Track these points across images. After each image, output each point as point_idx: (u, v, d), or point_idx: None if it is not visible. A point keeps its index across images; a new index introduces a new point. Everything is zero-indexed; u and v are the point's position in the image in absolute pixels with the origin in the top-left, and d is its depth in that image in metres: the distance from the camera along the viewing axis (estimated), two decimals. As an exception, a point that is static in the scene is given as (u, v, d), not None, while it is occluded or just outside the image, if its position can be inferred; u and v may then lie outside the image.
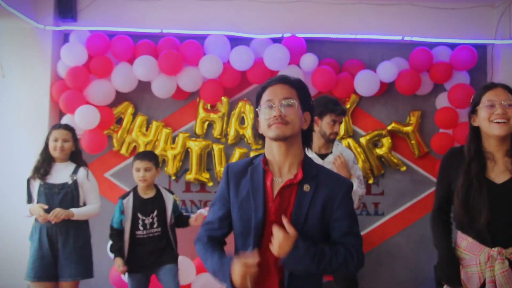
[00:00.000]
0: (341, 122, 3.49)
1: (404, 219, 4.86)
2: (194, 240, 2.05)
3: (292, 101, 1.85)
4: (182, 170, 4.91)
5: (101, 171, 4.78)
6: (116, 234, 3.73)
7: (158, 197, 3.81)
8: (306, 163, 1.91)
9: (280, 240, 1.76)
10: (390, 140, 4.80)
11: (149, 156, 3.86)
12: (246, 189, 1.91)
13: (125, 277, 3.91)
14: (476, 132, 2.38)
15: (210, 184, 4.89)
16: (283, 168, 1.90)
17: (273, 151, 1.90)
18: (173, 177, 4.84)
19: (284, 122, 1.82)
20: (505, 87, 2.33)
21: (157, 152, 4.76)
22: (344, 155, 3.43)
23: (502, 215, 2.28)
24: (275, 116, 1.81)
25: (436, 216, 2.52)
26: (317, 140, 3.39)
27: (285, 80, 1.93)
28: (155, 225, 3.73)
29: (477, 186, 2.29)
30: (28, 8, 4.47)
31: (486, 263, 2.27)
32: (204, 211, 4.38)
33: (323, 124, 3.32)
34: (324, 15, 4.92)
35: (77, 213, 3.58)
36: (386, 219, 4.90)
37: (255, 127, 1.96)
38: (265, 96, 1.88)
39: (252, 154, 4.86)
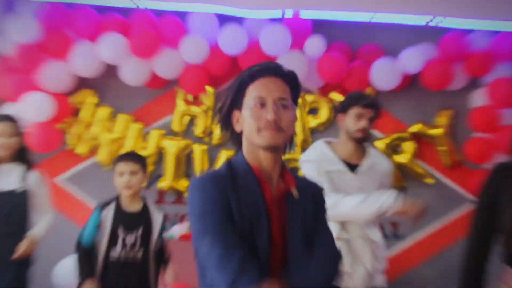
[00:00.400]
0: (372, 118, 2.78)
1: (430, 244, 4.30)
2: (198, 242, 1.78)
3: (287, 102, 1.74)
4: (155, 175, 4.38)
5: (51, 175, 4.13)
6: (85, 254, 3.26)
7: (145, 212, 3.32)
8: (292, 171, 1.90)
9: None
10: (414, 145, 4.26)
11: (135, 157, 3.39)
12: (243, 193, 1.76)
13: None
14: None
15: (187, 194, 4.08)
16: (273, 176, 1.77)
17: (259, 157, 1.75)
18: (143, 184, 4.06)
19: (278, 128, 1.68)
20: None
21: (121, 153, 4.04)
22: (382, 167, 2.87)
23: None
24: (268, 120, 1.66)
25: (472, 254, 2.21)
26: (343, 145, 2.86)
27: (280, 73, 1.76)
28: (136, 248, 3.23)
29: None
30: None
31: None
32: (179, 229, 3.91)
33: (347, 120, 2.74)
34: None
35: (39, 235, 3.30)
36: (408, 245, 4.32)
37: (226, 122, 1.75)
38: (254, 91, 1.69)
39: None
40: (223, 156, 4.33)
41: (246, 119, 1.67)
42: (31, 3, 4.15)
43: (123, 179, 3.15)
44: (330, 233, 1.82)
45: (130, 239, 3.23)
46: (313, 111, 4.52)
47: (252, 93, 1.66)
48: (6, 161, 3.28)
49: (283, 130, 1.66)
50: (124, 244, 3.19)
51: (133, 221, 3.24)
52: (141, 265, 3.27)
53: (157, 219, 3.30)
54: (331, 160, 2.89)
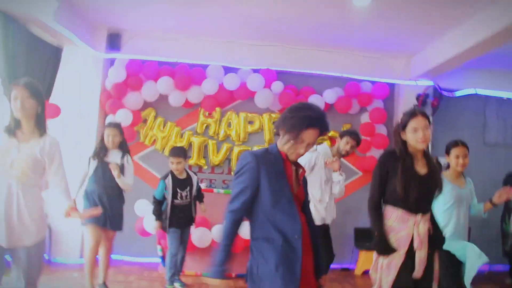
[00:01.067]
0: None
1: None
2: (228, 210, 2.41)
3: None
4: (187, 156, 6.38)
5: (131, 155, 6.55)
6: (157, 203, 4.90)
7: (189, 178, 5.03)
8: None
9: None
10: (329, 143, 6.32)
11: (180, 153, 4.98)
12: (274, 171, 2.39)
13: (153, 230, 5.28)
14: (404, 142, 3.04)
15: (205, 167, 6.74)
16: (292, 163, 2.51)
17: (287, 153, 2.45)
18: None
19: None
20: (422, 114, 3.00)
21: (169, 144, 6.54)
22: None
23: (423, 193, 2.98)
24: (299, 154, 2.43)
25: (376, 205, 3.09)
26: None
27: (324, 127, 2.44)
28: (188, 197, 5.00)
29: (410, 174, 2.95)
30: (89, 41, 6.30)
31: (413, 225, 2.93)
32: (201, 186, 5.70)
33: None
34: (289, 55, 6.79)
35: (121, 178, 4.60)
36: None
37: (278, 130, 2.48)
38: (307, 135, 2.35)
39: (235, 149, 6.71)
40: (224, 147, 6.59)
41: (288, 145, 2.39)
42: (122, 60, 6.40)
43: (174, 166, 4.87)
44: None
45: (183, 193, 4.95)
46: (275, 123, 6.81)
47: (306, 135, 2.33)
48: (115, 148, 4.72)
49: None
50: (181, 196, 4.92)
51: (184, 183, 4.95)
52: (189, 206, 4.99)
53: (195, 181, 5.06)
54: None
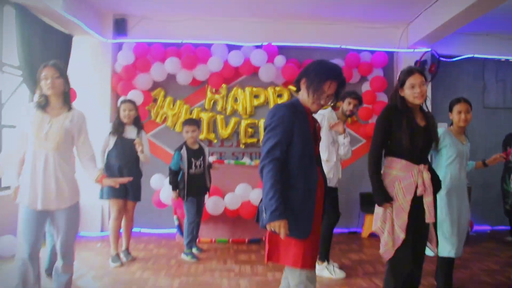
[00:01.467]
0: None
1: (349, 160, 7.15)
2: (269, 158, 2.52)
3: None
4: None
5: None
6: (173, 174, 5.21)
7: (201, 148, 5.37)
8: None
9: None
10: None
11: (194, 122, 5.39)
12: (303, 124, 2.63)
13: (170, 200, 5.76)
14: (402, 98, 3.25)
15: (215, 141, 7.06)
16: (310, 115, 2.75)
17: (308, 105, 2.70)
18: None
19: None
20: (419, 71, 3.22)
21: (179, 121, 6.87)
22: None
23: (425, 144, 3.25)
24: (321, 104, 2.66)
25: (379, 156, 3.26)
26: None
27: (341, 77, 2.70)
28: (201, 166, 5.33)
29: (414, 127, 3.19)
30: (96, 28, 6.64)
31: (418, 174, 3.17)
32: (211, 158, 6.17)
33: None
34: (291, 29, 7.05)
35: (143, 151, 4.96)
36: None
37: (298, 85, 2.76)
38: (329, 86, 2.61)
39: (242, 123, 7.01)
40: (232, 121, 6.88)
41: (312, 91, 2.60)
42: (129, 44, 6.72)
43: (189, 134, 5.18)
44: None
45: (197, 163, 5.27)
46: (280, 96, 7.03)
47: (326, 86, 2.59)
48: (130, 124, 5.08)
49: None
50: (195, 166, 5.24)
51: (197, 153, 5.28)
52: (203, 175, 5.32)
53: (206, 151, 5.42)
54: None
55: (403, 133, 3.16)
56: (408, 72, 3.23)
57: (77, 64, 6.54)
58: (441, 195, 3.83)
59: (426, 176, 3.18)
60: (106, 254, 5.44)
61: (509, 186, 6.45)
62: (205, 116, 7.00)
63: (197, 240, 5.80)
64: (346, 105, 4.87)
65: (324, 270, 4.75)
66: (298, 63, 7.03)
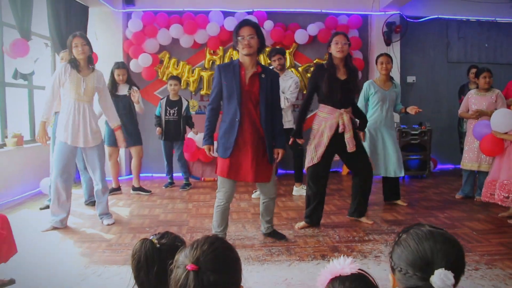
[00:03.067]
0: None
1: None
2: (207, 106, 3.84)
3: (254, 36, 3.60)
4: (198, 88, 8.02)
5: (153, 90, 7.97)
6: (155, 117, 6.66)
7: (179, 101, 6.64)
8: (262, 65, 3.76)
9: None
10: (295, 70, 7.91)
11: (176, 78, 6.71)
12: (230, 75, 3.62)
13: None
14: (330, 54, 4.27)
15: None
16: (248, 67, 3.66)
17: (243, 59, 3.66)
18: (193, 93, 8.09)
19: (250, 46, 3.56)
20: (343, 34, 4.25)
21: (183, 79, 7.86)
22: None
23: (344, 94, 4.25)
24: (245, 43, 3.56)
25: (306, 105, 4.37)
26: None
27: (250, 24, 3.69)
28: (175, 115, 6.57)
29: (334, 80, 4.21)
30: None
31: (339, 116, 4.24)
32: (192, 133, 7.23)
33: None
34: None
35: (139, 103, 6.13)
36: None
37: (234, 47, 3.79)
38: (240, 32, 3.65)
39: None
40: None
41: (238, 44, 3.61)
42: (137, 13, 7.65)
43: (171, 87, 6.47)
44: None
45: (171, 111, 6.52)
46: (269, 55, 7.92)
47: (239, 33, 3.59)
48: (123, 83, 6.07)
49: (252, 47, 3.56)
50: (169, 113, 6.52)
51: (173, 104, 6.53)
52: (177, 122, 6.52)
53: (184, 104, 6.56)
54: None
55: (323, 85, 4.21)
56: (335, 33, 4.31)
57: (93, 31, 7.52)
58: (366, 131, 4.94)
59: (346, 117, 4.23)
60: (128, 192, 6.62)
61: (463, 127, 7.57)
62: (205, 75, 7.98)
63: (188, 176, 7.05)
64: (274, 64, 6.10)
65: (301, 190, 6.12)
66: (284, 26, 8.01)
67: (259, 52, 3.73)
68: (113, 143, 5.94)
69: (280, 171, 8.02)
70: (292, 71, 7.40)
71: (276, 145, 3.86)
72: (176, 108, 6.57)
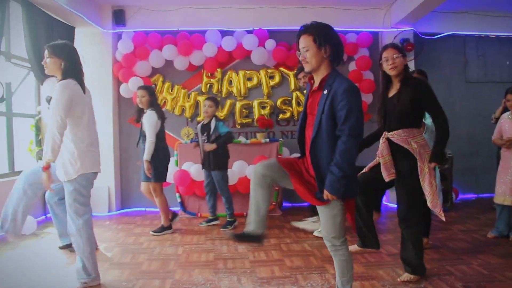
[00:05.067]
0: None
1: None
2: (357, 133, 2.60)
3: (308, 48, 2.72)
4: (195, 114, 7.43)
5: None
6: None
7: (208, 125, 5.85)
8: (329, 75, 2.71)
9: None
10: None
11: (211, 98, 5.92)
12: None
13: None
14: (384, 73, 3.73)
15: None
16: (316, 82, 2.82)
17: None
18: (190, 119, 7.47)
19: (305, 61, 2.75)
20: (392, 46, 3.66)
21: (178, 104, 7.29)
22: None
23: (390, 111, 3.68)
24: (302, 59, 2.79)
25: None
26: None
27: (305, 31, 2.79)
28: (205, 141, 5.83)
29: (384, 98, 3.77)
30: (96, 19, 7.03)
31: (382, 139, 3.70)
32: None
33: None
34: (280, 14, 7.42)
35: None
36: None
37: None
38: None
39: (237, 104, 7.41)
40: (228, 103, 7.29)
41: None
42: (128, 33, 7.12)
43: (204, 109, 5.81)
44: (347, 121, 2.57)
45: (203, 137, 5.82)
46: (271, 77, 7.47)
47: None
48: (147, 107, 5.45)
49: (308, 62, 2.74)
50: (202, 140, 5.82)
51: (203, 129, 5.85)
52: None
53: (212, 123, 5.76)
54: None
55: (376, 104, 3.85)
56: (383, 48, 3.70)
57: (80, 54, 6.87)
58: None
59: (381, 140, 3.69)
60: (115, 229, 5.93)
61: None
62: (202, 99, 7.30)
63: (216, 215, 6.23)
64: (301, 82, 5.60)
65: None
66: (287, 45, 7.41)
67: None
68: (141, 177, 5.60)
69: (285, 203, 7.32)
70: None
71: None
72: (206, 133, 5.86)
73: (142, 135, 5.52)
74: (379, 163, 3.70)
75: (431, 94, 3.60)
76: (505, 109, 5.37)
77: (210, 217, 6.14)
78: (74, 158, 3.57)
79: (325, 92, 2.66)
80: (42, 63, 3.66)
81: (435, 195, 3.58)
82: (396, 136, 3.60)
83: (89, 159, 3.63)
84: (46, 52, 3.63)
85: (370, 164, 3.87)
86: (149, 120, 5.41)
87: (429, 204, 3.60)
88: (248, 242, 2.94)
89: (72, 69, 3.62)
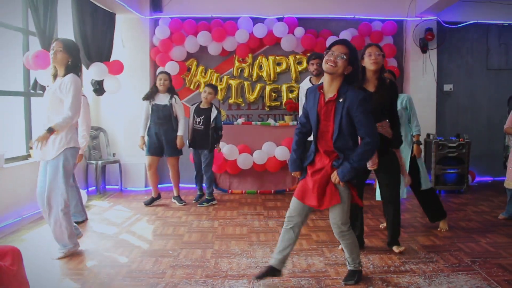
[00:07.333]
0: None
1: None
2: (295, 130, 3.41)
3: (343, 56, 3.01)
4: (227, 96, 7.85)
5: (180, 99, 7.47)
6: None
7: (208, 109, 6.29)
8: (341, 86, 3.06)
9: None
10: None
11: (212, 86, 6.40)
12: (312, 102, 3.19)
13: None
14: (364, 68, 3.93)
15: (243, 104, 7.91)
16: (328, 92, 3.10)
17: (324, 79, 3.09)
18: (222, 101, 7.90)
19: (334, 64, 2.99)
20: (376, 45, 3.96)
21: None
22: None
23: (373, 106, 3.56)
24: (330, 59, 3.01)
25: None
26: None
27: (342, 43, 3.09)
28: (201, 124, 6.28)
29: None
30: (135, 6, 7.44)
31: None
32: (240, 120, 7.23)
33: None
34: (309, 2, 7.74)
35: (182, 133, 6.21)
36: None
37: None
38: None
39: (267, 88, 7.84)
40: (258, 87, 7.69)
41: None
42: (165, 19, 7.51)
43: (203, 95, 6.26)
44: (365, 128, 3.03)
45: (197, 119, 6.25)
46: (299, 63, 7.83)
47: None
48: (164, 92, 6.09)
49: (336, 65, 2.98)
50: (196, 122, 6.25)
51: (201, 112, 6.25)
52: (204, 132, 6.20)
53: (213, 114, 6.19)
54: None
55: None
56: (367, 45, 4.02)
57: (120, 39, 7.44)
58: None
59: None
60: (154, 203, 6.47)
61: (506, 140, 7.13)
62: (233, 83, 7.81)
63: (212, 190, 6.58)
64: (311, 67, 5.73)
65: None
66: (315, 33, 7.77)
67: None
68: (153, 152, 6.19)
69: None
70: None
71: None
72: (203, 117, 6.29)
73: (165, 115, 6.16)
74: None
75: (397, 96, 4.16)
76: None
77: (208, 197, 6.54)
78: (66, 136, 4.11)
79: (340, 100, 3.06)
80: (51, 53, 3.98)
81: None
82: (379, 127, 3.87)
83: (76, 137, 4.23)
84: (58, 45, 3.98)
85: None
86: (181, 104, 6.29)
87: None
88: (268, 277, 3.49)
89: (75, 67, 4.11)
